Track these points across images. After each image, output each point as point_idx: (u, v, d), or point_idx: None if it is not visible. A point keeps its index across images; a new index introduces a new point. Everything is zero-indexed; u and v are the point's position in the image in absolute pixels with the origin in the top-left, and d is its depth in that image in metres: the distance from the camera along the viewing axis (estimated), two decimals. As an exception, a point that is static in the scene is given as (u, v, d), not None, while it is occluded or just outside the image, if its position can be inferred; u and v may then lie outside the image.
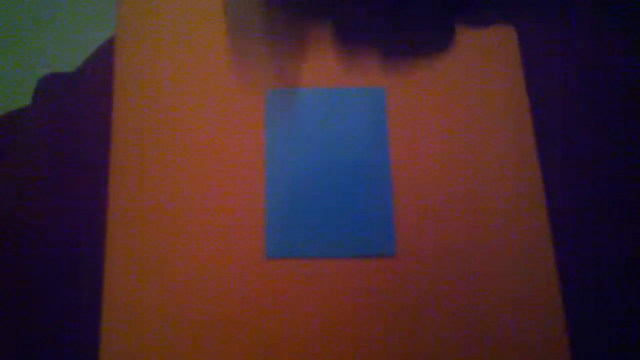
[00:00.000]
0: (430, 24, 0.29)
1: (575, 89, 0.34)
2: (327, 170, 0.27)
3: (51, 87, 0.37)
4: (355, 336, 0.25)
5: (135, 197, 0.26)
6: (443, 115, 0.27)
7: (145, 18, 0.29)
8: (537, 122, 0.31)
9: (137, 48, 0.28)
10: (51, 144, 0.35)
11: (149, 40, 0.28)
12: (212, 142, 0.27)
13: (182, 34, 0.28)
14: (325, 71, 0.28)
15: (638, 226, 0.31)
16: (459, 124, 0.27)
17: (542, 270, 0.25)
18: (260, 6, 0.29)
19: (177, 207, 0.26)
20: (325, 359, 0.24)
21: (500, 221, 0.26)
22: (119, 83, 0.28)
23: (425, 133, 0.27)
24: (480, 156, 0.27)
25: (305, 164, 0.27)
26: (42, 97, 0.37)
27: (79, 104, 0.36)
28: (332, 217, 0.26)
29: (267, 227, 0.26)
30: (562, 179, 0.32)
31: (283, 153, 0.27)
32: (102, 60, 0.37)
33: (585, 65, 0.35)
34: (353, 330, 0.25)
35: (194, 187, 0.26)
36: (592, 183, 0.32)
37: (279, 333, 0.25)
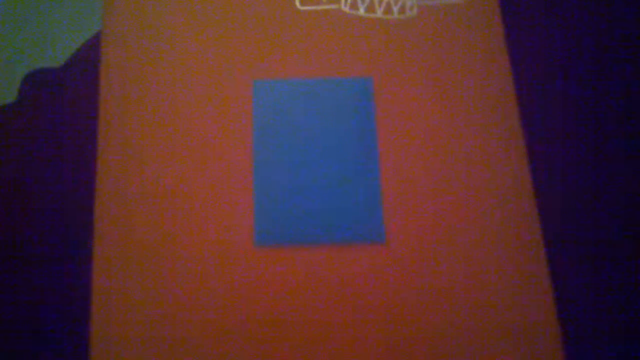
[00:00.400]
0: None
1: (563, 83, 0.35)
2: (315, 159, 0.27)
3: (37, 83, 0.37)
4: (346, 323, 0.25)
5: (122, 189, 0.26)
6: (430, 104, 0.28)
7: (132, 12, 0.29)
8: (524, 111, 0.31)
9: (123, 43, 0.28)
10: (37, 139, 0.34)
11: (136, 35, 0.28)
12: (200, 133, 0.27)
13: (169, 26, 0.28)
14: (313, 61, 0.28)
15: (626, 217, 0.32)
16: (446, 112, 0.27)
17: (531, 255, 0.26)
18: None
19: (165, 197, 0.26)
20: (316, 345, 0.24)
21: (489, 207, 0.26)
22: (104, 77, 0.28)
23: (412, 122, 0.27)
24: (468, 143, 0.27)
25: (294, 152, 0.27)
26: (27, 93, 0.37)
27: (64, 100, 0.36)
28: (321, 204, 0.26)
29: (256, 215, 0.26)
30: (549, 166, 0.33)
31: (271, 143, 0.27)
32: (88, 56, 0.37)
33: (572, 58, 0.35)
34: (343, 317, 0.25)
35: (182, 177, 0.26)
36: (580, 172, 0.33)
37: (270, 320, 0.25)
